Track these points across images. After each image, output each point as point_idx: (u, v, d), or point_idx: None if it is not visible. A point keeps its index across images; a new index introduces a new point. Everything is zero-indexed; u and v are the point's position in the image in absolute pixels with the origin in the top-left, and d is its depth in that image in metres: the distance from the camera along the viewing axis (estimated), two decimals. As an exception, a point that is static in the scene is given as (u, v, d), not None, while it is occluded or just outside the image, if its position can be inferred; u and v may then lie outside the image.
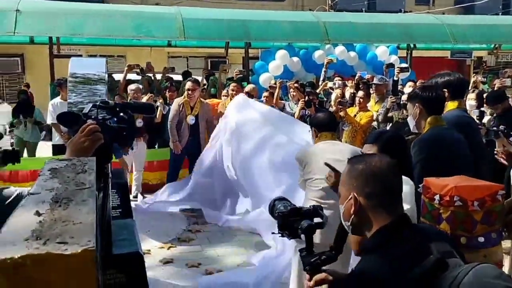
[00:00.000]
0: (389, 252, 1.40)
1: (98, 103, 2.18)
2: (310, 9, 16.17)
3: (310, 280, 1.63)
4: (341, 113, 6.17)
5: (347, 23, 9.34)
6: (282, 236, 1.76)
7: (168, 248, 5.12)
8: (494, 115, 5.43)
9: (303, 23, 9.09)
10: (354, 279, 1.47)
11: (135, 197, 6.92)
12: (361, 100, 6.28)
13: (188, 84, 6.55)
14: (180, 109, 6.52)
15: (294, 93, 6.91)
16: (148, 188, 7.25)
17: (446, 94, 3.16)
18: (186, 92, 6.56)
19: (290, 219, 1.71)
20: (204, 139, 6.83)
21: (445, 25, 9.53)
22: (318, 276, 1.61)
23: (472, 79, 7.96)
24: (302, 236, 1.73)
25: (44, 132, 8.65)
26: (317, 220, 1.75)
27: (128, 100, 6.76)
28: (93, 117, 2.12)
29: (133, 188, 6.93)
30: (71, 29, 7.86)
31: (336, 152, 3.25)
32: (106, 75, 3.21)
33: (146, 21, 8.24)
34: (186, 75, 8.90)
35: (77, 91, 2.97)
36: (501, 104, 5.37)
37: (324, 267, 1.65)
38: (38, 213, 0.82)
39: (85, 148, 1.78)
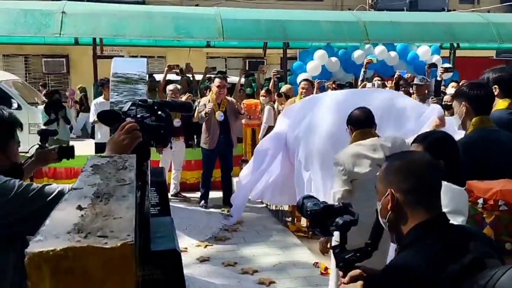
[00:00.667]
0: (426, 247, 1.39)
1: (137, 102, 2.23)
2: (349, 8, 15.98)
3: (344, 276, 1.63)
4: None
5: (388, 22, 9.17)
6: (314, 233, 1.79)
7: (205, 247, 5.17)
8: None
9: (342, 22, 8.99)
10: (389, 273, 1.47)
11: (174, 195, 7.02)
12: None
13: (217, 81, 6.56)
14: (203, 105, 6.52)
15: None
16: (186, 187, 7.35)
17: (497, 91, 3.01)
18: (214, 88, 6.55)
19: (322, 217, 1.72)
20: (235, 136, 6.84)
21: (490, 24, 9.21)
22: (353, 273, 1.60)
23: None
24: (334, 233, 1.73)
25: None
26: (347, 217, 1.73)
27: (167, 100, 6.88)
28: (132, 115, 2.16)
29: (172, 187, 7.03)
30: (113, 30, 8.07)
31: (378, 149, 3.16)
32: (147, 75, 3.28)
33: (186, 22, 8.35)
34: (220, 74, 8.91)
35: (119, 91, 3.05)
36: None
37: (358, 264, 1.64)
38: (80, 207, 0.84)
39: (124, 146, 1.82)
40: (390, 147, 3.16)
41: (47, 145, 2.96)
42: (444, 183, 1.78)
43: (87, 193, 0.95)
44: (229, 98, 6.81)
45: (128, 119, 2.11)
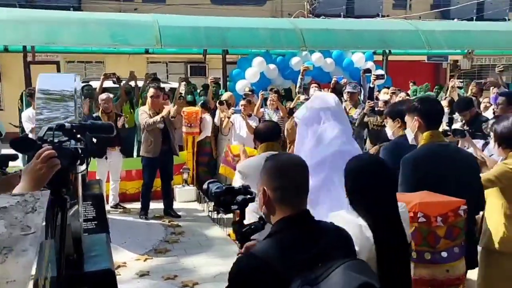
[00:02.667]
0: (281, 238, 1.58)
1: (53, 126, 2.14)
2: (289, 13, 16.28)
3: (241, 248, 1.87)
4: None
5: (324, 30, 9.43)
6: (218, 212, 2.03)
7: (145, 260, 5.09)
8: (463, 121, 5.54)
9: (280, 30, 9.14)
10: (245, 257, 1.66)
11: (113, 207, 6.86)
12: None
13: (151, 91, 6.49)
14: (148, 113, 6.46)
15: (274, 102, 7.00)
16: (126, 198, 7.20)
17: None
18: (149, 99, 6.49)
19: (225, 197, 1.96)
20: (176, 144, 6.81)
21: (419, 32, 9.69)
22: (248, 244, 1.85)
23: (450, 84, 8.09)
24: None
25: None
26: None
27: (100, 109, 6.69)
28: (48, 140, 2.07)
29: (110, 198, 6.87)
30: (45, 38, 7.78)
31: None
32: (75, 91, 3.19)
33: (122, 29, 8.19)
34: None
35: (46, 107, 2.95)
36: (469, 111, 5.48)
37: (253, 236, 1.89)
38: (-26, 268, 0.83)
39: (41, 175, 1.75)
40: None
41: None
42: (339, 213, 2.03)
43: (-14, 247, 0.93)
44: (167, 107, 6.76)
45: (45, 146, 2.01)
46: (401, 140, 3.35)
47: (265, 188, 1.67)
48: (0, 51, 9.56)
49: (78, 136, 2.14)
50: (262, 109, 7.41)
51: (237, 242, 1.94)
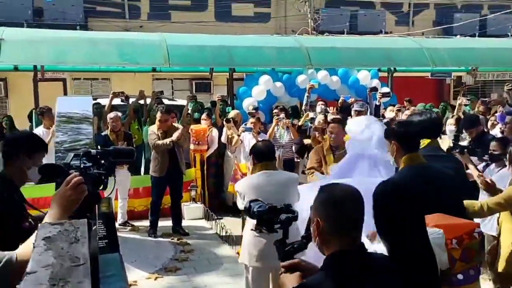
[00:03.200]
0: (334, 273, 1.57)
1: (80, 153, 2.22)
2: (292, 30, 16.43)
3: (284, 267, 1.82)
4: (319, 139, 6.31)
5: (329, 48, 9.54)
6: (260, 231, 2.04)
7: (155, 279, 5.12)
8: (470, 139, 5.58)
9: (286, 48, 9.26)
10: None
11: (122, 224, 6.90)
12: None
13: (159, 115, 6.59)
14: (157, 133, 6.54)
15: (285, 120, 7.08)
16: (134, 215, 7.24)
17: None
18: (157, 122, 6.58)
19: (268, 216, 1.96)
20: (184, 163, 6.86)
21: (424, 49, 9.78)
22: (291, 261, 1.81)
23: (458, 102, 8.12)
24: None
25: None
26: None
27: (108, 128, 6.75)
28: (74, 166, 2.15)
29: (119, 216, 6.90)
30: (55, 57, 7.89)
31: (273, 183, 3.53)
32: (92, 114, 3.27)
33: (131, 48, 8.31)
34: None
35: (63, 130, 3.05)
36: (475, 129, 5.52)
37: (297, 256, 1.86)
38: (36, 302, 0.87)
39: (71, 201, 1.83)
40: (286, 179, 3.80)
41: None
42: None
43: (43, 279, 0.97)
44: (175, 125, 6.84)
45: (72, 172, 2.10)
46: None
47: (318, 219, 1.65)
48: (9, 69, 9.67)
49: (102, 161, 2.22)
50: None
51: (280, 260, 1.89)
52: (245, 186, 3.60)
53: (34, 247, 1.22)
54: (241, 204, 3.68)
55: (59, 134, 2.60)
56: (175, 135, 6.43)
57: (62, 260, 1.09)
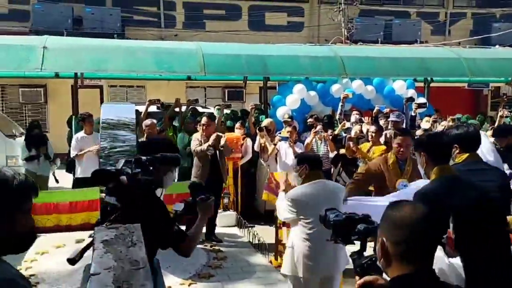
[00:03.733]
0: None
1: (131, 159, 2.31)
2: (326, 39, 16.40)
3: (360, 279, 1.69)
4: (353, 148, 6.26)
5: (364, 57, 9.47)
6: (336, 242, 1.91)
7: (189, 285, 5.16)
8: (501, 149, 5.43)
9: (320, 57, 9.24)
10: None
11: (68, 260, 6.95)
12: (373, 134, 6.37)
13: (204, 119, 6.71)
14: (200, 140, 6.63)
15: (324, 133, 7.04)
16: (167, 221, 7.31)
17: (457, 149, 3.10)
18: (201, 127, 6.68)
19: (344, 227, 1.85)
20: (225, 171, 6.91)
21: (461, 59, 9.60)
22: (368, 278, 1.66)
23: (499, 114, 7.91)
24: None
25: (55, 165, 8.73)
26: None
27: (144, 136, 6.88)
28: (125, 172, 2.26)
29: (154, 222, 6.99)
30: (95, 65, 8.11)
31: (327, 192, 3.59)
32: (135, 121, 3.35)
33: (167, 56, 8.45)
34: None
35: (106, 137, 3.12)
36: (506, 139, 5.39)
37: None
38: (105, 302, 0.90)
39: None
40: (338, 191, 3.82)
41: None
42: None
43: (107, 281, 1.01)
44: (220, 134, 6.91)
45: (123, 178, 2.21)
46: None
47: (384, 238, 1.54)
48: (50, 76, 9.98)
49: (151, 168, 2.30)
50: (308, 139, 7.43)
51: (355, 274, 1.78)
52: (300, 194, 3.56)
53: (94, 249, 1.26)
54: (287, 213, 3.64)
55: (102, 141, 2.65)
56: (211, 139, 6.50)
57: (122, 263, 1.13)
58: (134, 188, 2.08)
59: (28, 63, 7.68)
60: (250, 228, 6.93)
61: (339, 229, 1.86)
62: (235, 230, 7.30)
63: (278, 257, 5.90)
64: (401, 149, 4.55)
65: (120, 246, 1.24)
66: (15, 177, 1.65)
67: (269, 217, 7.02)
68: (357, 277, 1.72)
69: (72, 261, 2.06)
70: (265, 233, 6.58)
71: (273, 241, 6.05)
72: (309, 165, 3.63)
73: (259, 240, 6.43)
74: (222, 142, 6.62)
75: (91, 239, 1.96)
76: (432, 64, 9.55)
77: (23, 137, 8.57)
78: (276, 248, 5.94)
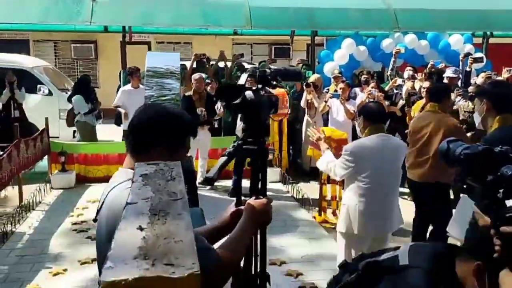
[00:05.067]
0: None
1: (256, 72, 2.22)
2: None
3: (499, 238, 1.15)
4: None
5: (419, 9, 8.95)
6: (464, 184, 1.41)
7: (231, 236, 5.22)
8: None
9: (371, 10, 8.82)
10: None
11: (201, 183, 7.09)
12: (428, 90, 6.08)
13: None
14: None
15: (378, 93, 6.74)
16: (212, 175, 7.40)
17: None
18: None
19: (481, 164, 1.37)
20: (269, 127, 6.83)
21: (526, 11, 8.93)
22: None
23: None
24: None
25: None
26: None
27: (192, 89, 6.87)
28: (253, 89, 2.11)
29: (199, 175, 7.10)
30: (142, 19, 8.13)
31: (389, 148, 3.38)
32: (180, 69, 3.31)
33: (213, 10, 8.34)
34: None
35: (152, 85, 3.11)
36: None
37: None
38: (140, 228, 0.87)
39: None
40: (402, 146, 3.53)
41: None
42: None
43: (143, 209, 0.98)
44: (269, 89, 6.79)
45: (249, 93, 2.06)
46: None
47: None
48: (99, 31, 10.10)
49: (273, 82, 2.21)
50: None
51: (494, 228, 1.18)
52: (358, 147, 3.37)
53: (132, 182, 1.24)
54: (342, 169, 3.39)
55: (148, 89, 2.64)
56: None
57: (160, 194, 1.09)
58: (258, 104, 1.97)
59: (78, 16, 7.78)
60: (294, 184, 6.91)
61: (472, 165, 1.40)
62: (279, 186, 7.31)
63: (322, 212, 5.87)
64: None
65: (159, 179, 1.21)
66: (185, 114, 1.72)
67: (313, 174, 6.96)
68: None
69: (210, 180, 1.91)
70: (309, 189, 6.55)
71: (317, 197, 6.00)
72: (368, 118, 3.40)
73: (303, 196, 6.41)
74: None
75: (225, 158, 1.89)
76: (493, 17, 8.92)
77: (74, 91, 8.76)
78: (320, 204, 5.90)
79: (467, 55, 7.34)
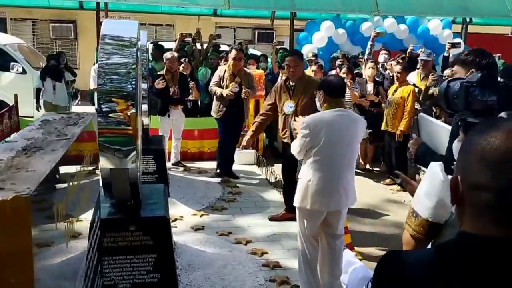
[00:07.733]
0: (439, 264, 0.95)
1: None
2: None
3: None
4: None
5: (399, -7, 8.92)
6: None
7: (201, 216, 5.17)
8: None
9: (352, -8, 8.76)
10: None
11: (174, 164, 6.99)
12: (399, 74, 6.06)
13: (233, 53, 6.33)
14: (222, 76, 6.39)
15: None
16: (187, 156, 7.32)
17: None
18: (230, 60, 6.37)
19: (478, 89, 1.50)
20: (248, 111, 6.73)
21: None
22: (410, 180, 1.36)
23: None
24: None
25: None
26: None
27: (164, 70, 6.73)
28: None
29: (172, 156, 7.00)
30: (118, -5, 7.94)
31: (347, 122, 3.34)
32: (137, 39, 3.18)
33: (191, -12, 8.19)
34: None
35: (108, 54, 2.97)
36: None
37: None
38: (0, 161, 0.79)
39: None
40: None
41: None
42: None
43: (17, 146, 0.90)
44: (247, 70, 6.65)
45: None
46: None
47: (459, 178, 0.99)
48: (75, 8, 9.87)
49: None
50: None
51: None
52: (317, 121, 3.28)
53: (27, 125, 1.16)
54: (298, 143, 3.33)
55: (103, 59, 2.52)
56: (224, 92, 6.23)
57: (48, 135, 1.02)
58: None
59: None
60: (268, 167, 6.85)
61: (468, 92, 1.50)
62: (254, 168, 7.25)
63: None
64: (291, 70, 4.81)
65: (59, 125, 1.13)
66: None
67: (288, 156, 6.91)
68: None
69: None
70: (282, 172, 6.49)
71: (289, 178, 5.95)
72: (328, 93, 3.35)
73: (275, 178, 6.36)
74: (226, 92, 6.27)
75: None
76: (472, 3, 8.90)
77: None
78: (292, 185, 5.86)
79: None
